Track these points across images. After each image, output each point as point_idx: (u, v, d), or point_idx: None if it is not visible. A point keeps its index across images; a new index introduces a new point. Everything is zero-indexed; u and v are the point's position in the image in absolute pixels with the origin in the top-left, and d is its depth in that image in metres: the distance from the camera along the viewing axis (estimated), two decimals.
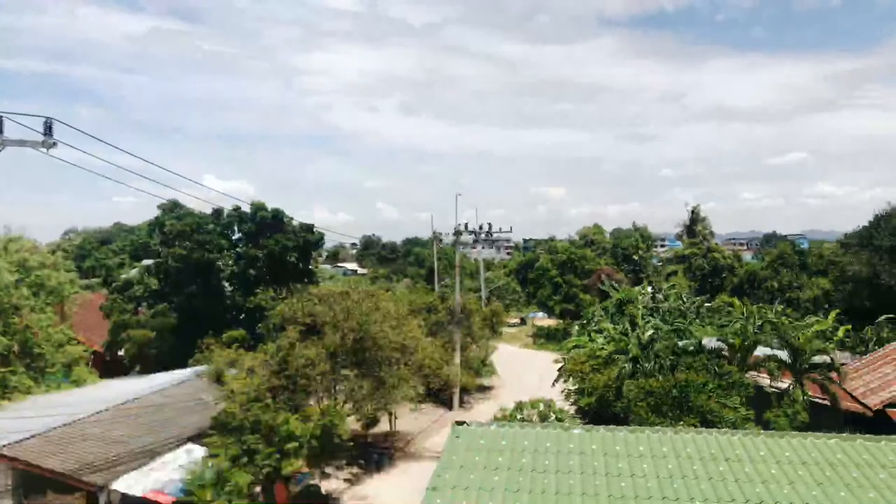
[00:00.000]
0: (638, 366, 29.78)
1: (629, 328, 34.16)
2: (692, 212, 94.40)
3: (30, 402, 27.29)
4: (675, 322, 35.30)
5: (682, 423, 24.17)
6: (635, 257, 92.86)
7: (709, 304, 47.03)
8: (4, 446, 18.97)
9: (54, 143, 11.48)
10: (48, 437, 20.67)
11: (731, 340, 29.59)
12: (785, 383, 27.91)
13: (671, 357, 29.47)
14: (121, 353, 40.10)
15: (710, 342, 30.62)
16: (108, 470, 19.71)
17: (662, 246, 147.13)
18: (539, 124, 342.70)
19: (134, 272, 44.35)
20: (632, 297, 44.30)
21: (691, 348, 29.94)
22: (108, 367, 40.70)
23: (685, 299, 45.49)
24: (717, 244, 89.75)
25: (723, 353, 29.68)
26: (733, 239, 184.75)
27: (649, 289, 53.18)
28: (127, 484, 19.61)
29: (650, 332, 31.93)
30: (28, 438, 20.01)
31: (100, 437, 21.78)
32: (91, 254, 75.19)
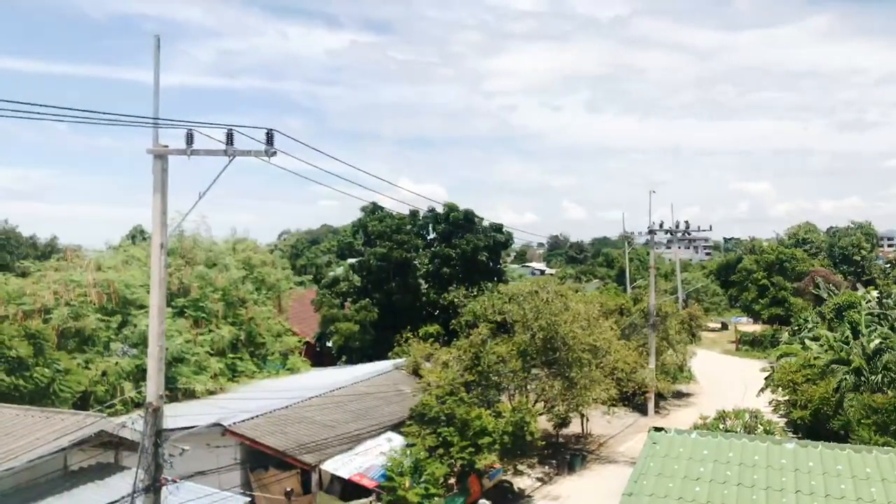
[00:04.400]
0: (862, 378, 26.79)
1: (850, 336, 30.87)
2: None
3: (253, 385, 30.39)
4: None
5: None
6: (856, 258, 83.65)
7: None
8: (234, 423, 21.25)
9: (275, 152, 12.54)
10: (269, 417, 22.87)
11: None
12: None
13: None
14: (329, 344, 43.37)
15: None
16: (319, 451, 21.38)
17: (891, 245, 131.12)
18: (736, 115, 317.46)
19: (340, 270, 47.69)
20: (853, 302, 39.90)
21: None
22: (318, 356, 44.22)
23: None
24: None
25: None
26: None
27: (875, 293, 47.48)
28: (335, 465, 21.15)
29: (877, 341, 28.58)
30: (253, 418, 22.27)
31: (312, 420, 23.69)
32: (303, 253, 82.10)
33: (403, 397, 26.65)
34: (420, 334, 31.41)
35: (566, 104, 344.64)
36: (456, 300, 33.22)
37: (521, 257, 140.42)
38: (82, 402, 24.68)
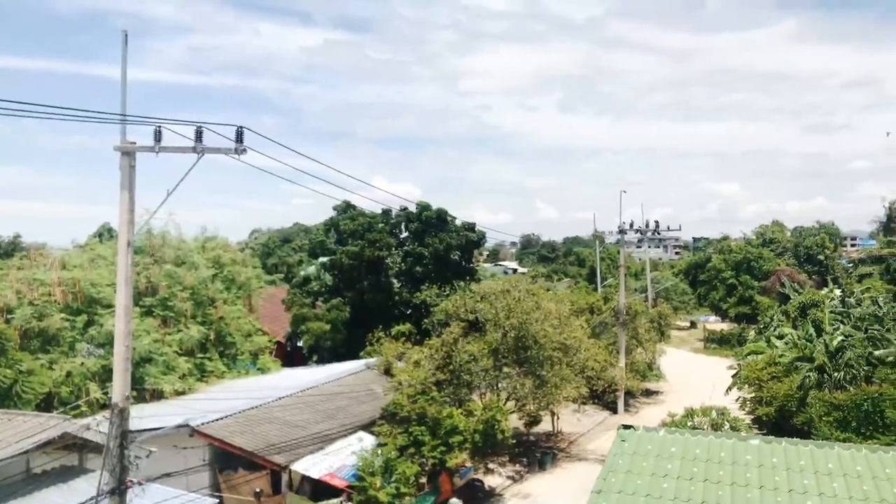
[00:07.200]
0: (825, 375, 27.35)
1: (814, 334, 31.52)
2: (890, 207, 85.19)
3: (223, 385, 30.03)
4: (869, 329, 31.93)
5: (874, 440, 21.89)
6: (820, 257, 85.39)
7: None
8: (202, 424, 20.99)
9: (244, 150, 12.45)
10: (238, 418, 22.63)
11: None
12: None
13: (865, 367, 26.78)
14: (300, 343, 43.07)
15: None
16: (290, 452, 21.23)
17: (853, 245, 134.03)
18: (709, 117, 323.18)
19: (311, 269, 47.37)
20: (817, 301, 40.79)
21: (890, 358, 26.97)
22: (289, 356, 43.92)
23: (882, 304, 40.97)
24: None
25: None
26: None
27: (837, 292, 48.61)
28: (305, 466, 21.01)
29: (839, 338, 29.23)
30: (222, 418, 22.00)
31: (282, 420, 23.50)
32: (274, 252, 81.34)
33: (375, 397, 26.57)
34: (392, 333, 31.29)
35: (541, 105, 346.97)
36: (428, 299, 33.21)
37: (494, 256, 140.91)
38: (46, 404, 24.15)
